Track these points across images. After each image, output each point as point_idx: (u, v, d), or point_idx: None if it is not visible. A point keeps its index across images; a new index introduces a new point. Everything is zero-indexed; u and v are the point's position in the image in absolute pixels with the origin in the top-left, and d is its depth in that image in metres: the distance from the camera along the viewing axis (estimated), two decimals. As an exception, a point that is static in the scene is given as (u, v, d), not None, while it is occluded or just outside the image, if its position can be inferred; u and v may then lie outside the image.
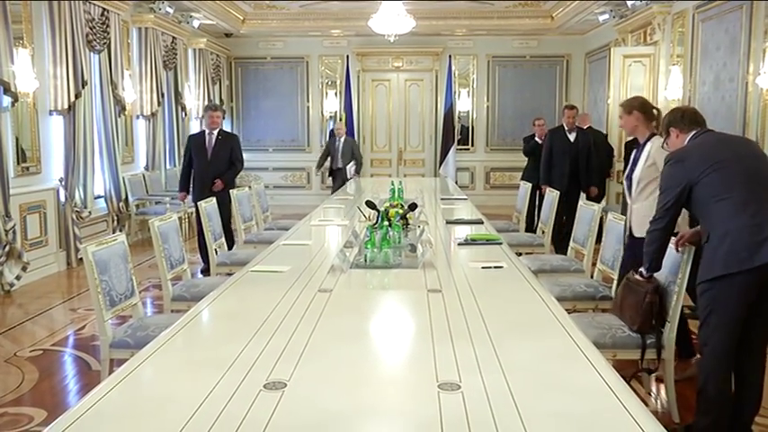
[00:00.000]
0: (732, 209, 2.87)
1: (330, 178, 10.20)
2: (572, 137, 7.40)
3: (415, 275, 3.23)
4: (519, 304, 2.86)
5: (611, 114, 10.42)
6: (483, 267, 3.45)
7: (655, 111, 3.92)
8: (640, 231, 3.51)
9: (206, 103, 11.24)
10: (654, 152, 3.75)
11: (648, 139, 3.85)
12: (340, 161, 9.91)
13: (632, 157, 3.96)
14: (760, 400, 3.08)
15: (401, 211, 4.01)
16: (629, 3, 8.94)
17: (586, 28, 11.37)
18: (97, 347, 3.98)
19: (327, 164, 10.23)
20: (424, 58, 12.48)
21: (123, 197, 8.17)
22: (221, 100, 12.22)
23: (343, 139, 10.01)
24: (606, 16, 9.87)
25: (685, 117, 3.22)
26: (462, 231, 4.60)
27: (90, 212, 7.41)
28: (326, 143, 10.74)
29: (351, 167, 9.94)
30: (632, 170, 3.90)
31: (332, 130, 11.09)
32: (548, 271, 4.60)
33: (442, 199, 6.74)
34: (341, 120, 11.78)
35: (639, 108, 3.91)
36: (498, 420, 1.64)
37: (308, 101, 12.58)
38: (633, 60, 8.98)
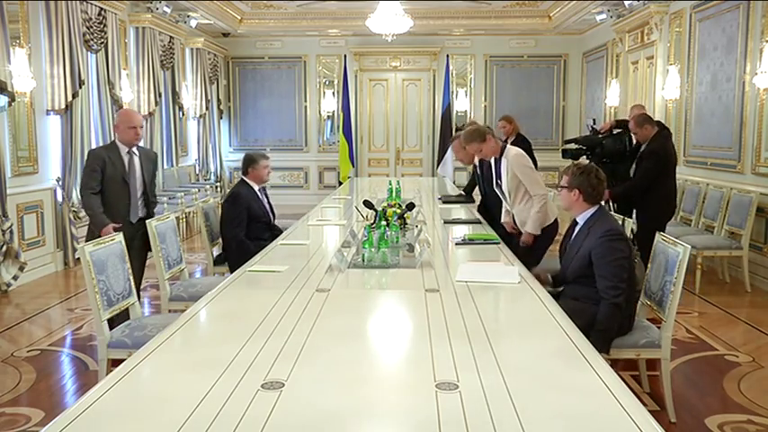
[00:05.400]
0: None
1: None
2: None
3: (412, 275, 3.23)
4: (516, 304, 2.86)
5: (608, 114, 10.45)
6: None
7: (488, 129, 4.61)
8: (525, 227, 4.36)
9: (203, 102, 11.24)
10: (511, 166, 4.39)
11: (501, 155, 4.45)
12: (138, 198, 4.42)
13: (493, 170, 4.61)
14: None
15: (399, 211, 4.01)
16: (626, 2, 8.95)
17: (584, 27, 11.38)
18: (95, 347, 3.97)
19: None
20: (422, 58, 12.48)
21: (120, 197, 8.14)
22: (219, 100, 12.22)
23: (138, 153, 4.44)
24: (603, 16, 9.88)
25: None
26: (460, 231, 4.60)
27: (87, 212, 7.39)
28: (96, 162, 4.32)
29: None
30: (499, 182, 4.56)
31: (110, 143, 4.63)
32: (545, 270, 4.58)
33: (439, 199, 6.74)
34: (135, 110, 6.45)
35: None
36: (496, 420, 1.64)
37: (305, 100, 12.57)
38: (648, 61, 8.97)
